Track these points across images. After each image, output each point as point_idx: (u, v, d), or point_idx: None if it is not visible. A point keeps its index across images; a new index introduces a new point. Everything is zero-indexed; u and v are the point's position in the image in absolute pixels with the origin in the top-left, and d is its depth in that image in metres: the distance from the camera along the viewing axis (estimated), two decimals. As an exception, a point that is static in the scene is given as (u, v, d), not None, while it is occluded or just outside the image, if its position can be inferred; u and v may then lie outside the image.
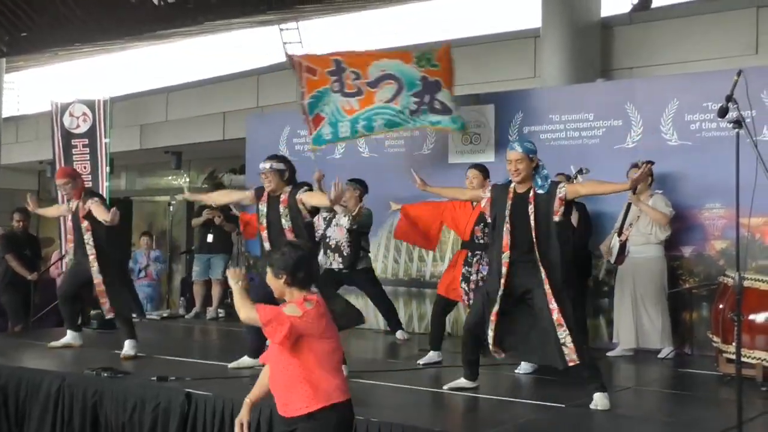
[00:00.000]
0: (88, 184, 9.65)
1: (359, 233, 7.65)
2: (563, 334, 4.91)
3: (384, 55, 8.13)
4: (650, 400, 5.62)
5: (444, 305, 6.68)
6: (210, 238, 9.68)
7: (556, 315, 4.94)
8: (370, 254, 7.93)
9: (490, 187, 5.42)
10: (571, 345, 4.90)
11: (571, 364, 4.92)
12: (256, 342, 6.10)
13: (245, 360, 6.13)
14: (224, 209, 9.72)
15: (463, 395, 5.34)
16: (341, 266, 7.51)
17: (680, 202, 7.00)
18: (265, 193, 6.15)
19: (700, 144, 7.15)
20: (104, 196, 7.12)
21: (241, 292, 3.43)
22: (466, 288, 6.33)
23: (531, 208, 5.08)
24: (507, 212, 5.17)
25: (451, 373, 5.68)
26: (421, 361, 6.52)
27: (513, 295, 5.14)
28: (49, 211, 7.90)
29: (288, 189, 6.05)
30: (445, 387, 5.46)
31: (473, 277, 6.30)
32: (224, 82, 14.37)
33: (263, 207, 6.13)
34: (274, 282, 3.44)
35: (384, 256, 8.68)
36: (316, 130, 8.07)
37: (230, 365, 6.12)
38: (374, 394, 5.37)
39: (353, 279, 7.68)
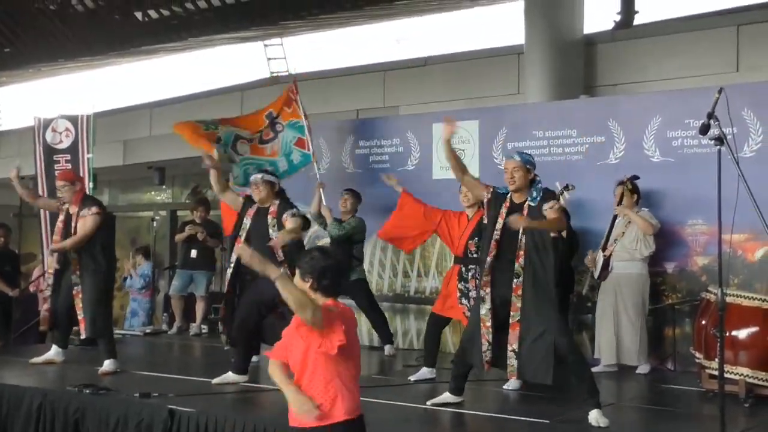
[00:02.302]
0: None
1: (351, 243, 7.71)
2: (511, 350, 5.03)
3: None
4: (633, 416, 5.62)
5: (437, 323, 6.67)
6: (193, 253, 9.63)
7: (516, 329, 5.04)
8: (363, 265, 7.97)
9: (491, 190, 5.43)
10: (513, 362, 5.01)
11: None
12: (241, 359, 6.12)
13: (229, 376, 6.11)
14: (208, 226, 9.68)
15: (450, 411, 5.33)
16: None
17: (663, 219, 7.04)
18: (253, 208, 6.22)
19: (682, 160, 7.21)
20: (104, 204, 7.08)
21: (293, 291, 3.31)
22: (468, 304, 6.29)
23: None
24: (500, 219, 5.21)
25: (443, 390, 5.65)
26: (412, 377, 6.51)
27: (497, 303, 5.17)
28: (36, 199, 7.61)
29: (276, 202, 6.18)
30: (428, 402, 5.45)
31: (472, 294, 6.24)
32: (208, 97, 14.35)
33: (247, 221, 6.22)
34: (300, 285, 3.43)
35: (368, 271, 8.64)
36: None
37: (214, 381, 6.10)
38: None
39: (347, 289, 7.69)
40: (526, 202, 5.20)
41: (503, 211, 5.24)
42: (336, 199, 8.01)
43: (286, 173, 8.31)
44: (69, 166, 9.68)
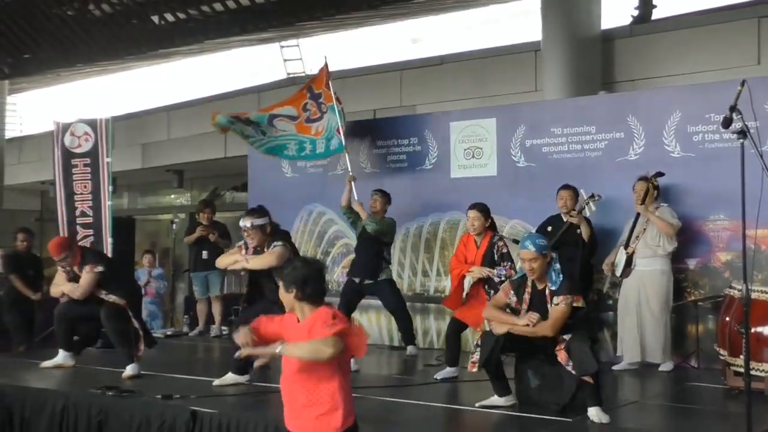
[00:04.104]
0: (89, 204, 9.66)
1: (381, 244, 7.71)
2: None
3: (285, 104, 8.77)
4: (657, 414, 5.57)
5: (458, 327, 6.62)
6: (205, 254, 9.63)
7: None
8: (391, 266, 7.93)
9: (512, 293, 5.29)
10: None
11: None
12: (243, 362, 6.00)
13: (229, 377, 6.10)
14: (216, 227, 9.67)
15: (469, 409, 5.31)
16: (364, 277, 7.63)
17: (684, 214, 6.97)
18: (250, 249, 6.13)
19: (703, 155, 7.13)
20: (103, 252, 7.17)
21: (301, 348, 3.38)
22: None
23: (549, 307, 5.07)
24: (524, 306, 5.18)
25: (465, 390, 5.62)
26: (438, 375, 6.48)
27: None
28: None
29: (267, 241, 6.02)
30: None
31: None
32: (225, 99, 14.38)
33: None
34: (285, 296, 3.46)
35: (388, 272, 8.64)
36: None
37: (215, 382, 6.10)
38: (380, 409, 5.34)
39: (376, 289, 7.71)
40: (547, 288, 5.12)
41: (526, 297, 5.20)
42: (363, 198, 7.98)
43: (321, 155, 8.44)
44: (88, 170, 9.72)
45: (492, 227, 6.64)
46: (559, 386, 5.14)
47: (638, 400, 5.64)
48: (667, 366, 6.79)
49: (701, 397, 6.03)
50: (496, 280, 6.30)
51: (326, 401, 3.37)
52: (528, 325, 5.05)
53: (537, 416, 5.17)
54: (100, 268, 6.71)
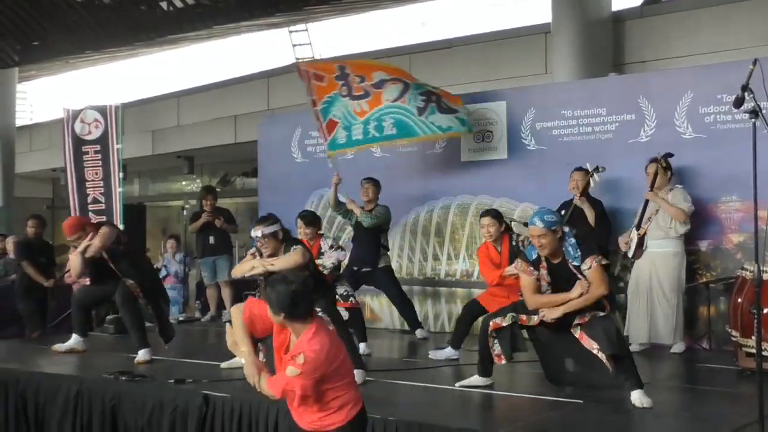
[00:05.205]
0: (101, 191, 9.70)
1: (378, 231, 7.70)
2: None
3: (385, 69, 8.22)
4: (669, 395, 5.55)
5: (475, 311, 6.59)
6: (212, 240, 9.66)
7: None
8: (389, 253, 7.94)
9: (531, 268, 5.12)
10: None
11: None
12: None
13: (236, 361, 6.10)
14: (220, 213, 9.68)
15: (480, 392, 5.31)
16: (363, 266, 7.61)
17: (696, 196, 6.93)
18: (265, 257, 5.90)
19: (715, 137, 7.09)
20: (114, 223, 7.13)
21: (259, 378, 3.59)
22: None
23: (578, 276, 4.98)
24: (543, 282, 5.08)
25: (470, 372, 5.64)
26: (431, 354, 6.52)
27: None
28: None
29: (282, 248, 5.78)
30: (457, 385, 5.44)
31: None
32: (235, 85, 14.40)
33: None
34: (275, 318, 3.49)
35: (398, 255, 8.66)
36: (331, 135, 8.12)
37: (222, 365, 6.12)
38: (392, 392, 5.36)
39: (374, 278, 7.72)
40: (567, 263, 5.01)
41: (543, 273, 5.08)
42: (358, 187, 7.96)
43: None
44: (99, 156, 9.76)
45: (507, 229, 6.61)
46: (593, 367, 5.05)
47: (650, 382, 5.62)
48: (678, 347, 6.78)
49: (713, 379, 6.01)
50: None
51: (325, 407, 3.44)
52: (582, 294, 4.91)
53: (546, 398, 5.17)
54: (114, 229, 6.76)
